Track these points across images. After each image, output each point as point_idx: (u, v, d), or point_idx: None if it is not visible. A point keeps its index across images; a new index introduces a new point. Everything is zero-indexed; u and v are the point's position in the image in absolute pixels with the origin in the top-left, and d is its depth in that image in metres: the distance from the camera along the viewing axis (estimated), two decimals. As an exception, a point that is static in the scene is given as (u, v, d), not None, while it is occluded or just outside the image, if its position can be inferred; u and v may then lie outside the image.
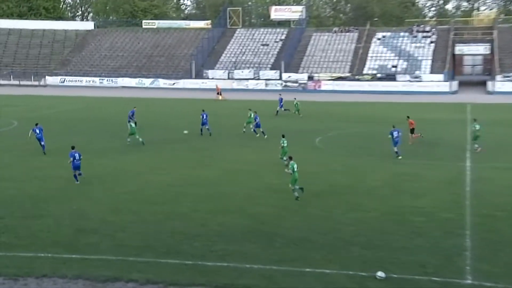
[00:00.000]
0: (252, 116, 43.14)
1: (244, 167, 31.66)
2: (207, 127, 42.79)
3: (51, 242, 19.58)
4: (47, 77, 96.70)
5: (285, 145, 31.77)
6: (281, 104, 55.36)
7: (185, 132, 42.92)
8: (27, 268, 17.47)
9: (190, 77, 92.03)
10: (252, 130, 42.42)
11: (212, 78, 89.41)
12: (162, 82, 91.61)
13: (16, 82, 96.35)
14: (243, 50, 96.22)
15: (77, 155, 28.43)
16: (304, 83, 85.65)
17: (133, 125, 39.47)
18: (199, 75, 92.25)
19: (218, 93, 75.05)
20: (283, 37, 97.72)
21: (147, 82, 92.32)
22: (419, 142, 39.00)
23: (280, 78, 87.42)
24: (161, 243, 19.52)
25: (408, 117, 39.11)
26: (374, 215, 22.87)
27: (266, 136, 40.91)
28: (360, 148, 37.72)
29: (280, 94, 57.51)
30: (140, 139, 38.37)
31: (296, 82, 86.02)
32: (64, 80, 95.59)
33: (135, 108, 47.42)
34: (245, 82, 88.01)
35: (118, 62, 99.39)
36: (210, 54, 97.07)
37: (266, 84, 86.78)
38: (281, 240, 19.85)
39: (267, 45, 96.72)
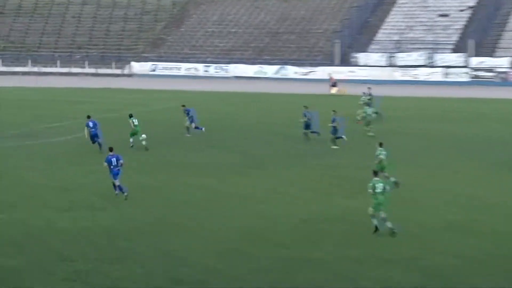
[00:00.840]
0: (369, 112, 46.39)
1: (411, 195, 31.22)
2: (311, 130, 45.11)
3: (136, 295, 20.16)
4: (132, 63, 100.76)
5: (383, 157, 31.70)
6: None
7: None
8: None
9: (332, 64, 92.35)
10: (304, 132, 45.16)
11: (364, 65, 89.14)
12: (292, 71, 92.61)
13: (92, 70, 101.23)
14: (410, 24, 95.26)
15: (114, 160, 29.66)
16: (504, 73, 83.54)
17: (135, 121, 41.77)
18: (346, 61, 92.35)
19: (332, 85, 75.79)
20: (471, 4, 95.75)
21: (270, 70, 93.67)
22: None
23: (467, 65, 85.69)
24: (289, 303, 19.56)
25: None
26: None
27: (337, 147, 42.52)
28: None
29: (369, 88, 56.08)
30: (144, 143, 40.87)
31: (491, 70, 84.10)
32: (155, 68, 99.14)
33: (183, 106, 47.73)
34: (413, 71, 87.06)
35: (230, 42, 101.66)
36: (361, 31, 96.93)
37: (446, 74, 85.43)
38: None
39: (447, 15, 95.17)
